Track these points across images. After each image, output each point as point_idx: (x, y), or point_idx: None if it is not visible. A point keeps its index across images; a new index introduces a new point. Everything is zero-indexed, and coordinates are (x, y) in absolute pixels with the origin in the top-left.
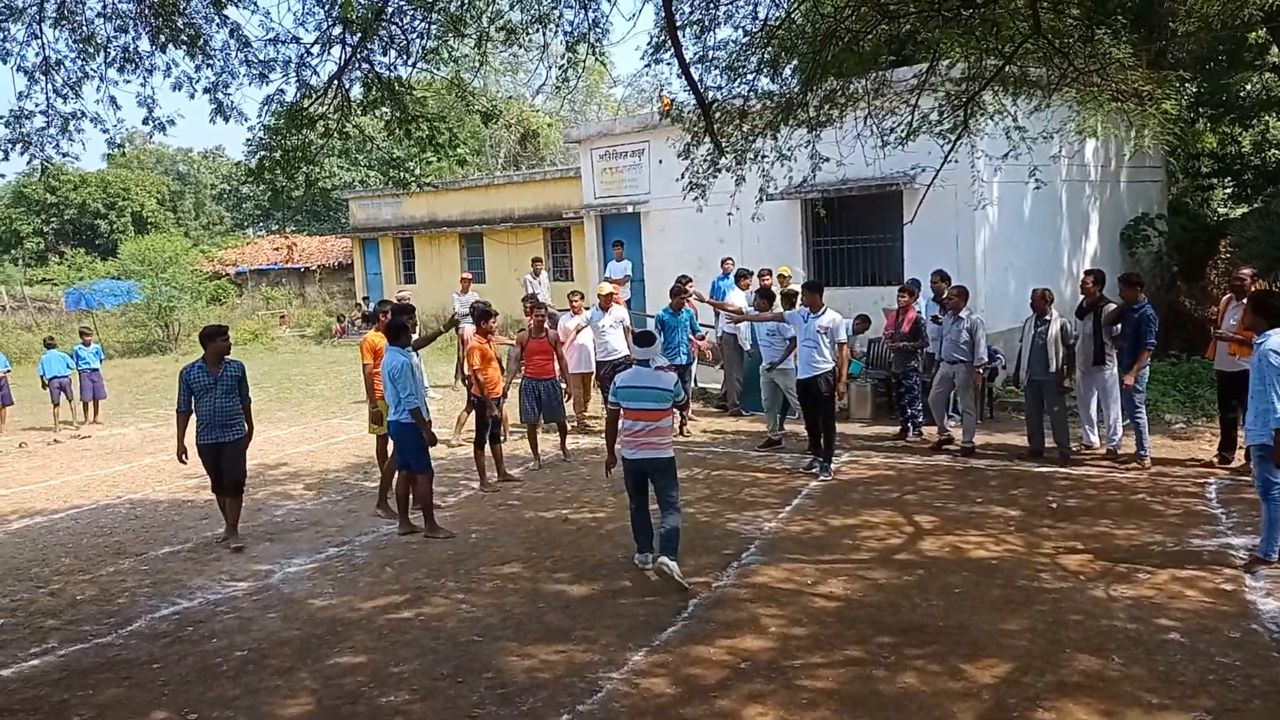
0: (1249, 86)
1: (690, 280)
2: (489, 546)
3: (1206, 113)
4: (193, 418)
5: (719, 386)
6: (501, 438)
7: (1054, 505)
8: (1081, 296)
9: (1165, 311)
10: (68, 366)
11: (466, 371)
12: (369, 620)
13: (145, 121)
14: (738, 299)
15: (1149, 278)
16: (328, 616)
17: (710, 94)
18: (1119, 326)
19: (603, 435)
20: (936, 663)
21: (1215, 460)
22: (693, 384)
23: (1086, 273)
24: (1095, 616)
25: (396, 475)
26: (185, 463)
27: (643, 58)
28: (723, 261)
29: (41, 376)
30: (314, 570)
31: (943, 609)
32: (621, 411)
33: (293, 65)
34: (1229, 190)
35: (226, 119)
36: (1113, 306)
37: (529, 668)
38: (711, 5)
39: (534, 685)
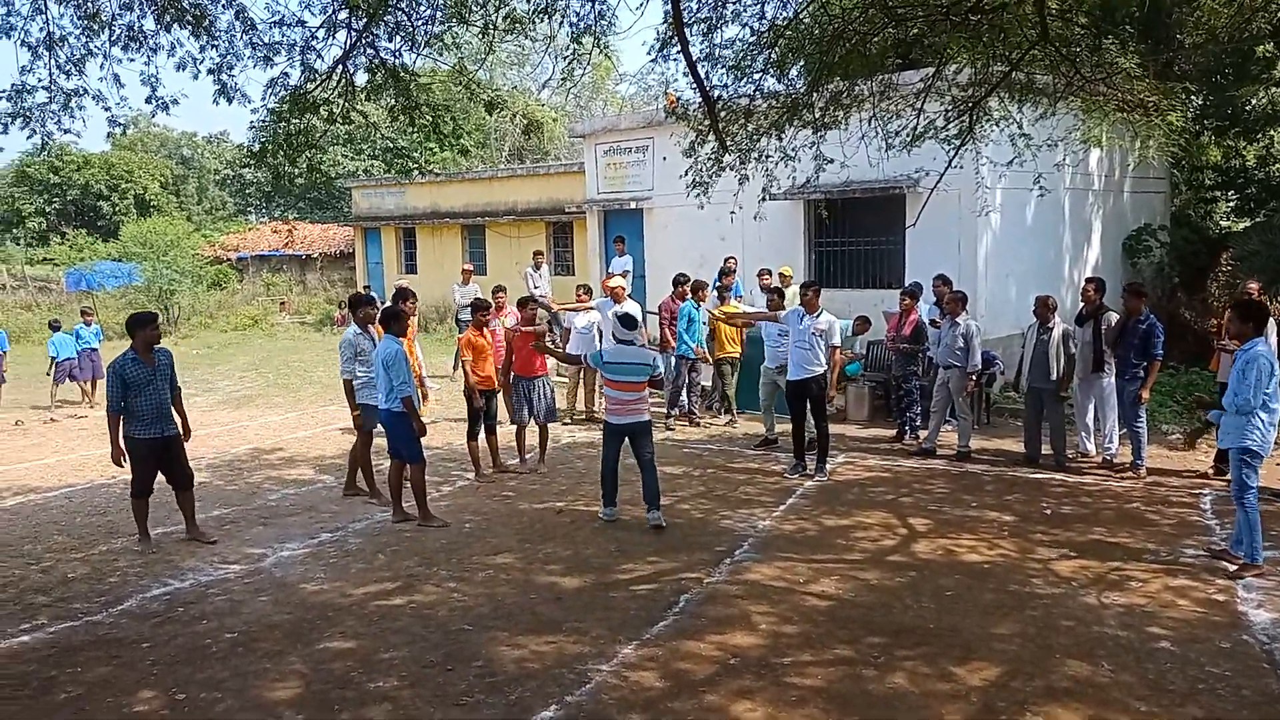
0: (1255, 100)
1: (688, 281)
2: (482, 536)
3: (1211, 125)
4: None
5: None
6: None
7: (1048, 512)
8: (1082, 304)
9: (1165, 322)
10: (75, 351)
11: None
12: (360, 606)
13: (148, 101)
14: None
15: (1150, 288)
16: (319, 601)
17: (716, 92)
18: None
19: (599, 430)
20: (926, 664)
21: (1211, 471)
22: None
23: (1087, 280)
24: (1086, 623)
25: (390, 464)
26: (123, 466)
27: (649, 53)
28: (726, 260)
29: (53, 358)
30: (306, 555)
31: (934, 611)
32: (605, 382)
33: (298, 49)
34: (1232, 203)
35: (230, 101)
36: (1113, 315)
37: (518, 658)
38: (719, 3)
39: (523, 675)
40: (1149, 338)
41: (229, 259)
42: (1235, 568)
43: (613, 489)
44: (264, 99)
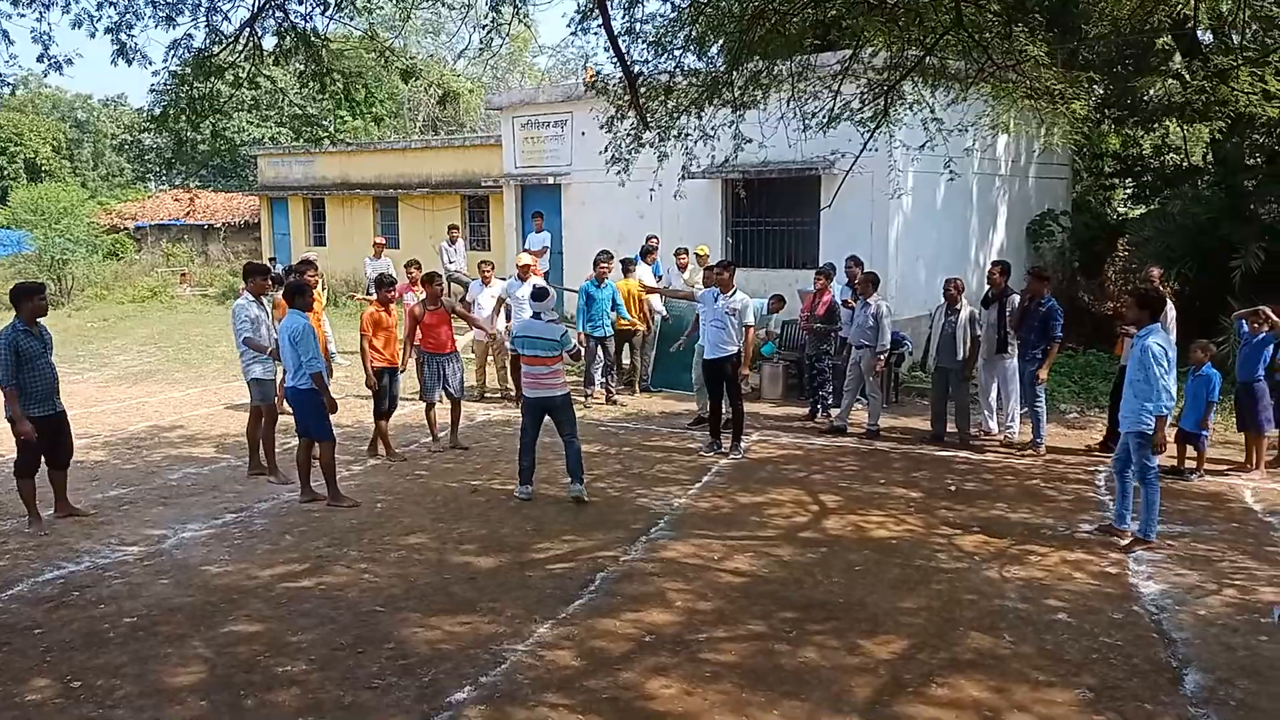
0: (1152, 91)
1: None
2: (394, 516)
3: (1112, 114)
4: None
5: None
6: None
7: (953, 488)
8: (987, 286)
9: (1066, 305)
10: None
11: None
12: (267, 588)
13: (40, 60)
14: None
15: (1052, 271)
16: (223, 584)
17: (636, 67)
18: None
19: (515, 409)
20: (836, 638)
21: (1096, 447)
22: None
23: (993, 263)
24: (988, 596)
25: (298, 442)
26: (33, 439)
27: (569, 25)
28: (648, 238)
29: None
30: (210, 536)
31: (844, 586)
32: (521, 358)
33: (203, 9)
34: (1129, 191)
35: (129, 62)
36: (1018, 297)
37: (432, 639)
38: None
39: (436, 656)
40: (1049, 320)
41: (126, 228)
42: (1126, 542)
43: (529, 467)
44: (166, 61)
